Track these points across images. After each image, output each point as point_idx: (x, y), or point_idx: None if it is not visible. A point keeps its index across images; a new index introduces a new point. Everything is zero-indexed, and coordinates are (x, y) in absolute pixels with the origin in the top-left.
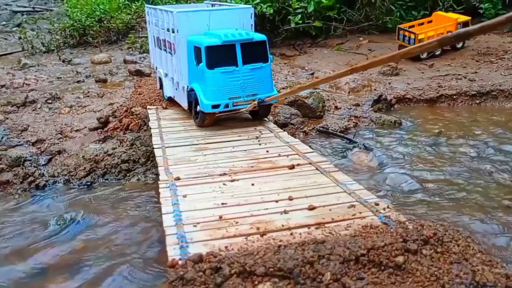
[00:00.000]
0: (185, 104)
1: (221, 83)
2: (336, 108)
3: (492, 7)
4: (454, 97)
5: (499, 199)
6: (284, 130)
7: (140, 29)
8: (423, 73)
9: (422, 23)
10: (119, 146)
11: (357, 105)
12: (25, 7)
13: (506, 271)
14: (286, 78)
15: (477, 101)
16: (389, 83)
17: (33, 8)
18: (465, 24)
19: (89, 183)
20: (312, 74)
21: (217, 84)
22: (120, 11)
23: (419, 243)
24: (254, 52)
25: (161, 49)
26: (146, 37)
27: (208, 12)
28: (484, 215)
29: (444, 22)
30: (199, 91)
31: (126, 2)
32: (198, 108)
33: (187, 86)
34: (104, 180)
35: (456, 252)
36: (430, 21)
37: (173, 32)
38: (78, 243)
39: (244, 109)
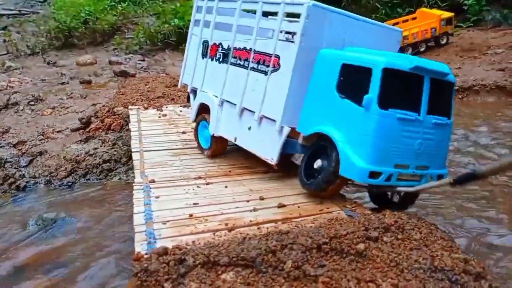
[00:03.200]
0: (271, 155)
1: (393, 137)
2: None
3: (476, 3)
4: None
5: (475, 192)
6: None
7: (126, 30)
8: None
9: (407, 20)
10: (100, 146)
11: None
12: (11, 10)
13: (464, 256)
14: None
15: (460, 96)
16: None
17: (19, 11)
18: (448, 20)
19: (70, 184)
20: None
21: (388, 137)
22: (106, 13)
23: (380, 230)
24: (440, 98)
25: (220, 62)
26: (132, 38)
27: (354, 20)
28: (462, 209)
29: (428, 19)
30: (345, 142)
31: (112, 3)
32: (318, 165)
33: (286, 128)
34: (85, 180)
35: (417, 238)
36: (414, 18)
37: (285, 38)
38: (57, 242)
39: (406, 189)
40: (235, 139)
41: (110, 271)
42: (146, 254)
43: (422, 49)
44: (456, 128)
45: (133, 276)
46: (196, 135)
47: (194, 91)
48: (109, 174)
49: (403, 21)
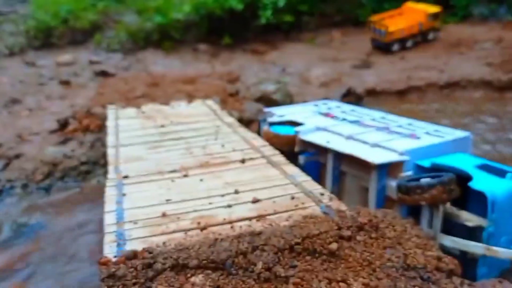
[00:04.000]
0: None
1: None
2: (307, 102)
3: None
4: (423, 88)
5: None
6: (250, 127)
7: (107, 29)
8: (394, 65)
9: (393, 15)
10: (78, 148)
11: (327, 98)
12: None
13: (438, 253)
14: (256, 74)
15: (446, 92)
16: (360, 76)
17: None
18: (435, 15)
19: (47, 187)
20: (284, 69)
21: None
22: (87, 11)
23: (353, 229)
24: None
25: None
26: (113, 36)
27: None
28: None
29: (415, 14)
30: None
31: (93, 1)
32: None
33: None
34: (63, 183)
35: (391, 237)
36: (401, 13)
37: None
38: (31, 247)
39: None
40: None
41: (84, 275)
42: (114, 256)
43: (409, 45)
44: (442, 123)
45: (100, 281)
46: None
47: None
48: (87, 176)
49: (390, 17)
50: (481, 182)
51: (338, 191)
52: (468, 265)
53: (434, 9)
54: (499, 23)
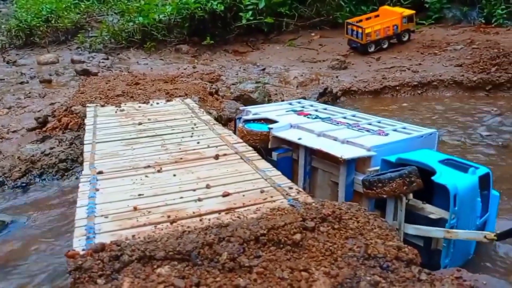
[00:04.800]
0: None
1: None
2: (283, 101)
3: (437, 1)
4: (397, 88)
5: None
6: (229, 125)
7: (90, 29)
8: (370, 66)
9: (370, 18)
10: (57, 145)
11: (304, 98)
12: None
13: (398, 243)
14: (237, 74)
15: (419, 91)
16: (337, 77)
17: None
18: (409, 17)
19: (24, 184)
20: (263, 69)
21: None
22: (69, 11)
23: (317, 221)
24: None
25: None
26: (96, 36)
27: None
28: None
29: (390, 16)
30: None
31: (75, 1)
32: None
33: None
34: (41, 181)
35: (354, 228)
36: (377, 16)
37: None
38: (7, 247)
39: None
40: None
41: (61, 273)
42: (83, 250)
43: (384, 46)
44: (414, 121)
45: (67, 273)
46: None
47: None
48: (66, 174)
49: (366, 19)
50: (444, 176)
51: (310, 186)
52: (432, 256)
53: (408, 12)
54: (471, 25)
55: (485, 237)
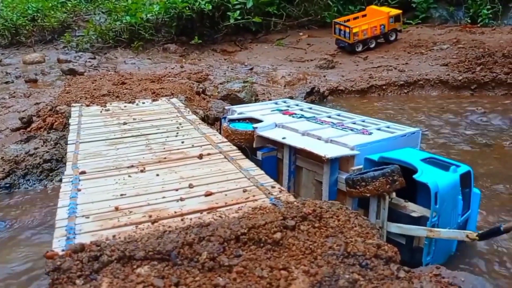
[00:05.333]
0: None
1: None
2: (269, 101)
3: (424, 1)
4: (384, 87)
5: None
6: (215, 124)
7: (77, 28)
8: (357, 65)
9: (357, 17)
10: (42, 145)
11: (291, 97)
12: None
13: (378, 241)
14: (225, 73)
15: (405, 91)
16: (324, 76)
17: None
18: (396, 17)
19: (8, 185)
20: (251, 69)
21: None
22: (56, 10)
23: (297, 219)
24: None
25: None
26: (83, 35)
27: None
28: None
29: (377, 16)
30: None
31: (62, 0)
32: None
33: None
34: (25, 181)
35: (334, 226)
36: (364, 15)
37: None
38: None
39: None
40: None
41: (42, 275)
42: (62, 250)
43: (372, 46)
44: (400, 120)
45: (45, 274)
46: None
47: None
48: (50, 174)
49: (354, 18)
50: (425, 174)
51: (294, 185)
52: (414, 254)
53: (395, 11)
54: (457, 25)
55: (467, 236)
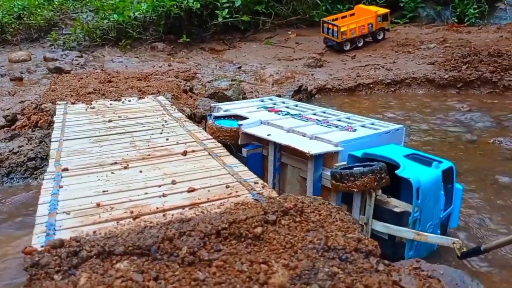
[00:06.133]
0: None
1: None
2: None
3: (412, 0)
4: (371, 85)
5: None
6: (202, 122)
7: (64, 26)
8: (345, 64)
9: (345, 16)
10: (26, 144)
11: (279, 95)
12: None
13: (359, 235)
14: (213, 72)
15: (392, 89)
16: (312, 75)
17: None
18: (384, 16)
19: None
20: (240, 67)
21: None
22: (42, 8)
23: (278, 214)
24: None
25: None
26: (70, 33)
27: None
28: None
29: (365, 15)
30: None
31: None
32: None
33: None
34: (8, 180)
35: (315, 220)
36: (352, 14)
37: None
38: None
39: None
40: None
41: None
42: (41, 246)
43: (360, 45)
44: (387, 117)
45: (24, 270)
46: None
47: None
48: (35, 173)
49: (342, 17)
50: (407, 170)
51: (280, 182)
52: (397, 249)
53: (383, 10)
54: (444, 25)
55: (453, 243)
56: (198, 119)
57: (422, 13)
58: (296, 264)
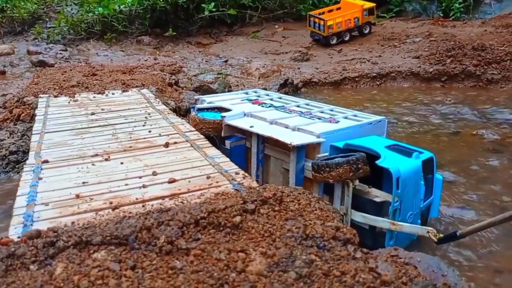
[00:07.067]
0: None
1: None
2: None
3: None
4: (357, 79)
5: None
6: (188, 116)
7: (48, 19)
8: (331, 58)
9: (332, 10)
10: (8, 137)
11: (265, 89)
12: None
13: (337, 224)
14: (199, 65)
15: (378, 82)
16: (299, 68)
17: None
18: (370, 10)
19: None
20: (226, 61)
21: None
22: (26, 0)
23: (257, 203)
24: None
25: None
26: (54, 27)
27: None
28: None
29: (351, 9)
30: None
31: None
32: None
33: None
34: None
35: (294, 209)
36: (339, 8)
37: None
38: None
39: None
40: None
41: None
42: (18, 237)
43: (346, 39)
44: (372, 110)
45: None
46: None
47: None
48: (17, 166)
49: (328, 11)
50: (388, 160)
51: (263, 174)
52: (377, 238)
53: (369, 4)
54: (430, 19)
55: (427, 232)
56: (183, 112)
57: (408, 8)
58: (274, 252)
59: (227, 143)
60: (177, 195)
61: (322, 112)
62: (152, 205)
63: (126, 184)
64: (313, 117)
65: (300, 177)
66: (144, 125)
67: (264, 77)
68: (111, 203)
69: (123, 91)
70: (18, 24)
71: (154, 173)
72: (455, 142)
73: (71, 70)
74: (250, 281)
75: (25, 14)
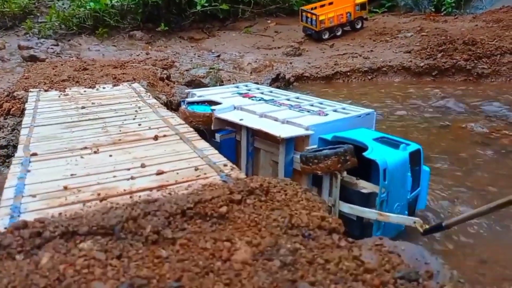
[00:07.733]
0: None
1: None
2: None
3: None
4: (348, 73)
5: None
6: (178, 110)
7: (39, 14)
8: (323, 52)
9: (324, 5)
10: None
11: (256, 83)
12: None
13: (323, 214)
14: (191, 60)
15: (369, 77)
16: (291, 63)
17: None
18: (362, 5)
19: None
20: (218, 56)
21: None
22: None
23: (244, 194)
24: None
25: None
26: (45, 22)
27: None
28: None
29: (343, 3)
30: None
31: None
32: None
33: None
34: None
35: (280, 200)
36: (331, 3)
37: None
38: None
39: None
40: None
41: None
42: (5, 228)
43: (338, 33)
44: (363, 104)
45: None
46: None
47: None
48: (7, 161)
49: (321, 6)
50: (375, 152)
51: (253, 167)
52: (364, 229)
53: None
54: (421, 14)
55: (414, 223)
56: (174, 106)
57: (400, 3)
58: (259, 241)
59: (217, 136)
60: (165, 187)
61: (312, 105)
62: (140, 196)
63: (114, 176)
64: (302, 110)
65: (289, 169)
66: (134, 119)
67: (256, 72)
68: (98, 194)
69: (114, 85)
70: (9, 19)
71: (143, 165)
72: (444, 135)
73: (62, 64)
74: (235, 269)
75: (16, 9)
